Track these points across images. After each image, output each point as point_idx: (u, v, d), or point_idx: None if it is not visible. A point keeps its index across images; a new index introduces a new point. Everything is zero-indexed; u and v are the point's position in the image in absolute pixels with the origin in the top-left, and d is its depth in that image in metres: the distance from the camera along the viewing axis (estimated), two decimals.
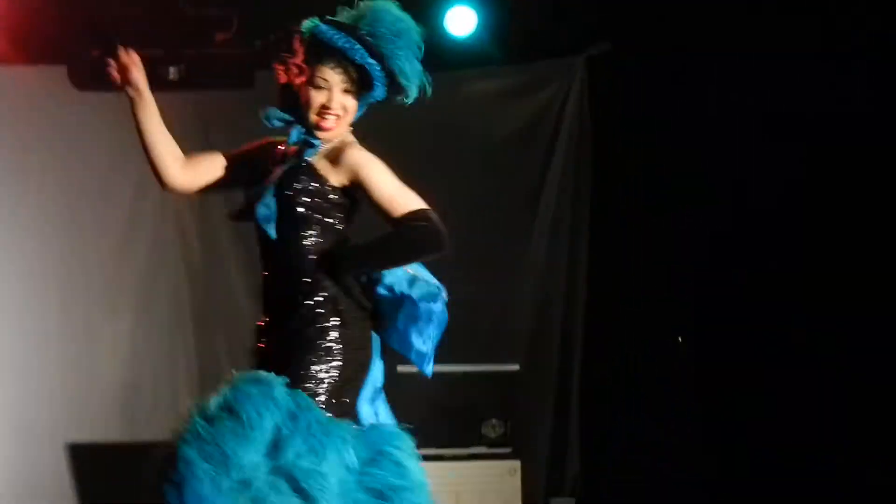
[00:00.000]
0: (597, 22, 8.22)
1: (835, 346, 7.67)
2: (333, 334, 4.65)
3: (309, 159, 4.71)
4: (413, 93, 4.84)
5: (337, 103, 4.70)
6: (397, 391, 6.73)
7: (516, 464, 7.46)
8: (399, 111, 7.81)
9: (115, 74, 4.77)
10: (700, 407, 8.04)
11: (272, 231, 4.68)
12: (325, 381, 4.61)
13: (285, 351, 4.69)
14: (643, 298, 8.17)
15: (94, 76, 7.04)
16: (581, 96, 8.45)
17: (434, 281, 4.80)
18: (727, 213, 7.93)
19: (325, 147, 4.74)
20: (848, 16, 7.46)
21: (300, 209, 4.74)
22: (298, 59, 4.74)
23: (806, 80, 7.63)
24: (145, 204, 8.27)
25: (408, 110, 7.88)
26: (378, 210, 4.67)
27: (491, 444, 7.50)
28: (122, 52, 4.79)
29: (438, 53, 7.58)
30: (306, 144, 4.78)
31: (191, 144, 7.34)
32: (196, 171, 5.00)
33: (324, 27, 4.70)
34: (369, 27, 4.70)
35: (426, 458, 6.71)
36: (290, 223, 4.74)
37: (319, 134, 4.72)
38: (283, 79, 4.81)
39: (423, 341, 4.82)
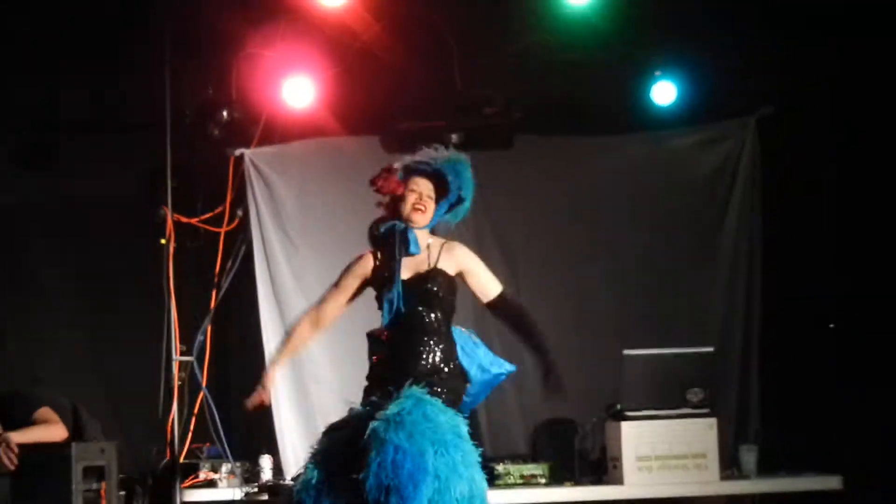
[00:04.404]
0: (767, 89, 8.98)
1: None
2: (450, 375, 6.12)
3: (436, 265, 6.11)
4: (467, 207, 6.20)
5: (424, 200, 6.13)
6: (625, 373, 7.99)
7: (713, 421, 8.06)
8: (620, 164, 9.06)
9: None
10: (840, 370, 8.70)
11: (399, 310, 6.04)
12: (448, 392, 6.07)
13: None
14: (802, 300, 8.90)
15: (401, 144, 7.81)
16: (753, 149, 9.15)
17: (506, 364, 6.27)
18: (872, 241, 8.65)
19: (438, 249, 6.13)
20: None
21: (438, 299, 6.12)
22: (396, 186, 6.13)
23: None
24: None
25: (625, 163, 9.07)
26: (478, 291, 6.22)
27: (694, 407, 8.10)
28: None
29: (646, 117, 9.08)
30: (403, 239, 6.10)
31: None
32: (331, 309, 6.32)
33: (413, 163, 6.17)
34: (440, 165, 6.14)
35: (647, 417, 7.96)
36: (429, 307, 6.10)
37: (414, 218, 6.10)
38: (385, 191, 6.17)
39: (479, 399, 6.38)
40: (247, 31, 8.44)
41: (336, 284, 6.32)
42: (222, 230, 8.72)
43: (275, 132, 8.72)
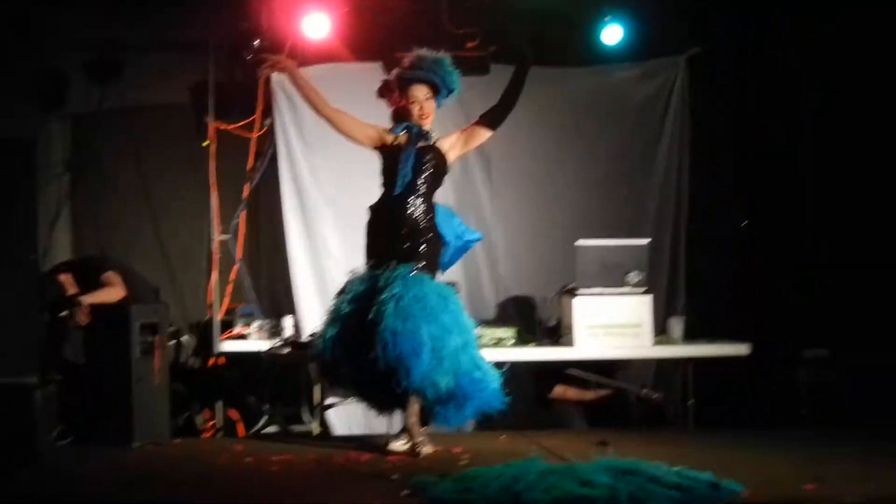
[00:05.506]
0: (697, 31, 9.88)
1: None
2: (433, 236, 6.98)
3: (434, 144, 7.04)
4: (456, 93, 7.22)
5: (427, 108, 7.13)
6: (578, 259, 8.57)
7: (648, 297, 8.73)
8: (576, 91, 9.73)
9: (269, 67, 7.32)
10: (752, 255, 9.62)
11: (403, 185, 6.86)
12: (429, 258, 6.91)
13: (412, 249, 6.84)
14: (721, 201, 9.84)
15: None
16: (682, 83, 9.93)
17: (475, 233, 7.25)
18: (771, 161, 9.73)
19: (436, 137, 7.05)
20: None
21: (435, 171, 7.08)
22: (396, 94, 7.10)
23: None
24: None
25: (580, 90, 9.79)
26: (480, 135, 7.17)
27: (633, 286, 8.74)
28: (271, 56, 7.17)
29: (596, 55, 9.84)
30: (421, 135, 7.06)
31: (452, 112, 8.52)
32: (342, 119, 7.13)
33: (407, 72, 7.09)
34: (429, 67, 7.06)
35: (595, 294, 8.55)
36: (422, 175, 7.00)
37: (422, 123, 7.12)
38: (392, 105, 7.17)
39: (453, 262, 7.25)
40: None
41: (356, 118, 7.16)
42: (254, 135, 9.62)
43: (297, 57, 8.96)
